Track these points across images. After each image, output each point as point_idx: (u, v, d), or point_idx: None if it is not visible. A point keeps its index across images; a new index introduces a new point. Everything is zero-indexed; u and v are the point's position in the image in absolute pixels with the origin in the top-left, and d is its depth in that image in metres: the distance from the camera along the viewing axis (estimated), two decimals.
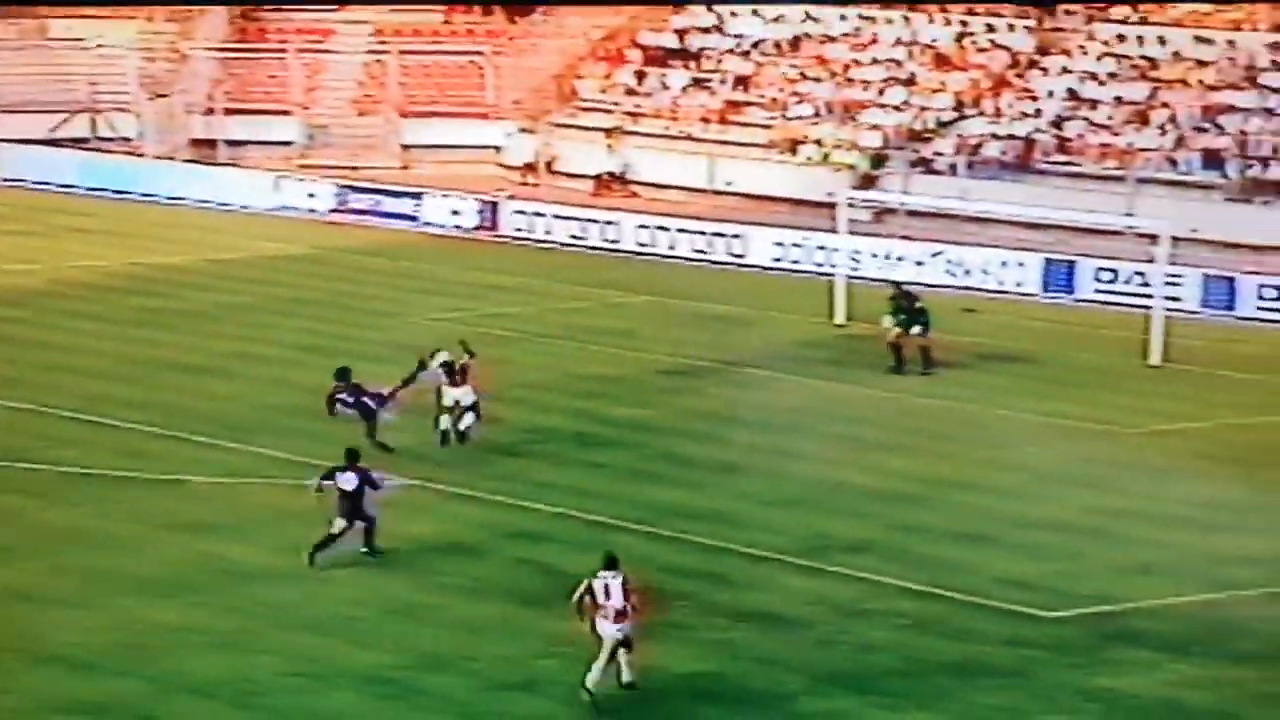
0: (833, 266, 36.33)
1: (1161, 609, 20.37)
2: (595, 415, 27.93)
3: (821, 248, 39.03)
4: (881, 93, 47.28)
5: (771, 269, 40.05)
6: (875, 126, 46.21)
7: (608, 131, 49.32)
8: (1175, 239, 34.74)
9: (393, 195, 46.22)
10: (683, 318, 35.57)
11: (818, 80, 48.33)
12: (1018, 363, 31.59)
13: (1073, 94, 44.85)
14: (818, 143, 46.41)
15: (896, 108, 46.64)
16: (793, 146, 46.76)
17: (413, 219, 45.41)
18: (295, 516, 23.44)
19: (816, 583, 21.35)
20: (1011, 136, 44.35)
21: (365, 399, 25.79)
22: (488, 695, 18.53)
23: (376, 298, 36.88)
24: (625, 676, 18.93)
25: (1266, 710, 18.01)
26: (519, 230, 44.05)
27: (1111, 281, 36.74)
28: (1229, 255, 38.80)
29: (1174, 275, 34.48)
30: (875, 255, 38.63)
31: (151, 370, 30.60)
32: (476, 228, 44.61)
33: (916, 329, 30.79)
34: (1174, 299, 34.01)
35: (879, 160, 45.45)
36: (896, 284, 32.12)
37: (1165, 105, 43.47)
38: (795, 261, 39.98)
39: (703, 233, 41.68)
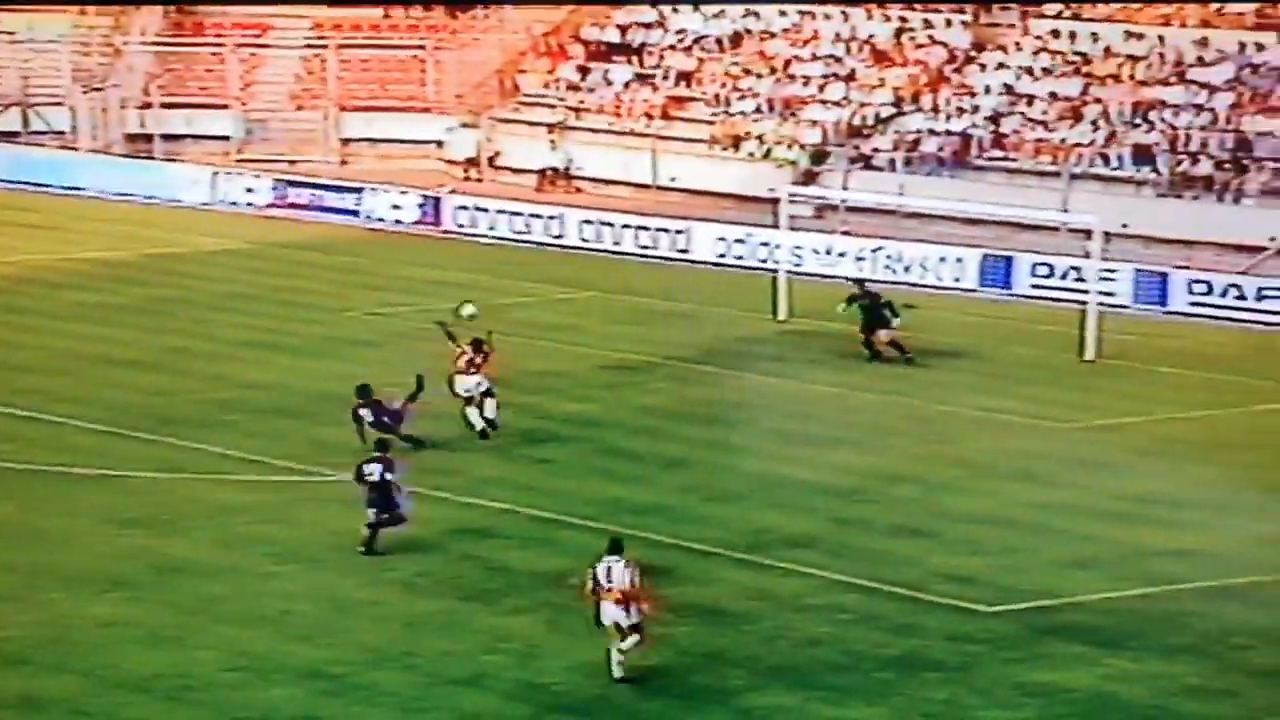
0: (775, 262, 36.55)
1: (1097, 603, 20.60)
2: (540, 411, 27.98)
3: (764, 243, 39.20)
4: (822, 89, 47.51)
5: (715, 264, 40.16)
6: (815, 122, 46.43)
7: (551, 127, 49.30)
8: (1109, 234, 35.18)
9: (332, 190, 46.04)
10: (627, 313, 35.67)
11: (759, 76, 48.53)
12: (956, 358, 31.86)
13: (1009, 90, 45.22)
14: (759, 139, 46.61)
15: (836, 104, 46.87)
16: (735, 142, 46.92)
17: (353, 213, 45.26)
18: (232, 511, 23.44)
19: (760, 577, 21.47)
20: (949, 133, 44.67)
21: (385, 417, 25.87)
22: (431, 690, 18.53)
23: (315, 292, 36.75)
24: (615, 671, 18.89)
25: (1197, 703, 18.27)
26: (461, 225, 43.99)
27: (1047, 277, 37.03)
28: (1161, 251, 39.34)
29: (1108, 271, 34.80)
30: (817, 251, 38.86)
31: (86, 365, 30.45)
32: (418, 222, 44.53)
33: (883, 331, 30.96)
34: (1108, 294, 34.29)
35: (820, 156, 45.67)
36: (859, 282, 32.31)
37: (1098, 101, 43.88)
38: (739, 257, 40.13)
39: (647, 228, 41.77)
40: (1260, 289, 35.29)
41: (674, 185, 46.50)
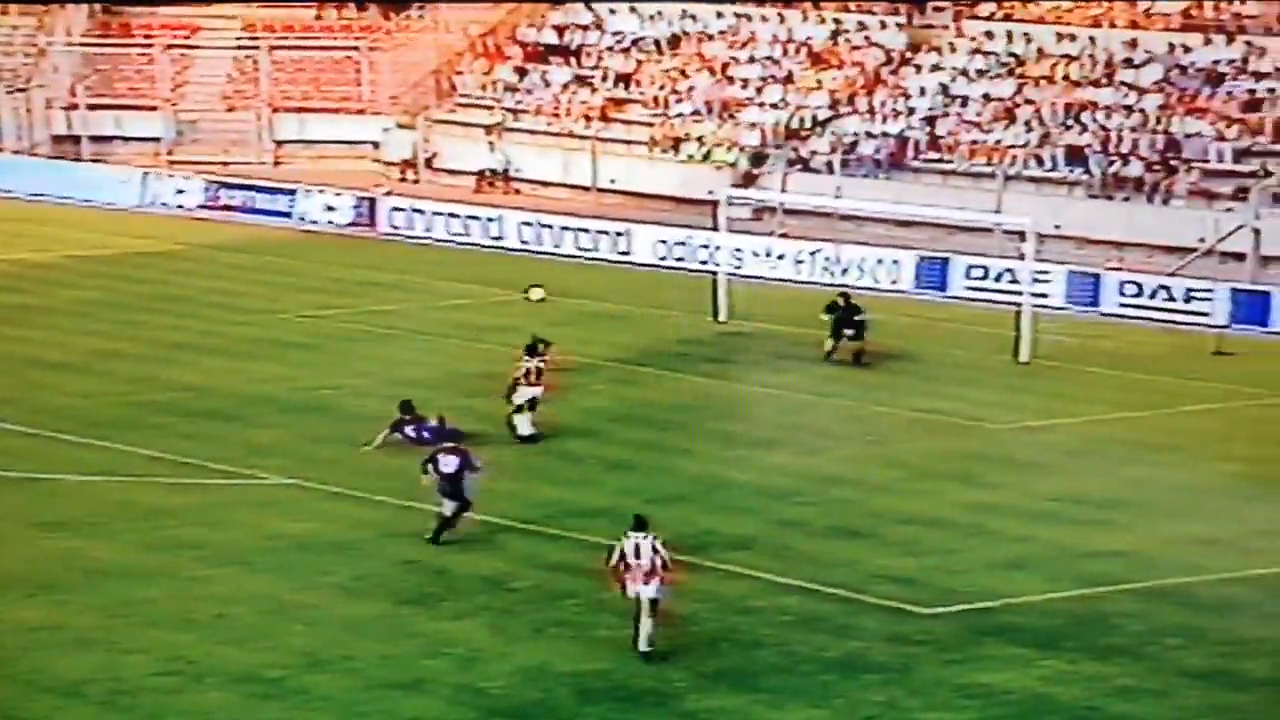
0: (715, 264, 36.66)
1: (1034, 605, 20.78)
2: (480, 413, 27.87)
3: (704, 245, 39.33)
4: (760, 91, 47.69)
5: (655, 266, 40.24)
6: (754, 125, 46.61)
7: (489, 128, 49.25)
8: (1043, 236, 35.49)
9: (265, 191, 45.84)
10: (567, 315, 35.66)
11: (697, 78, 48.64)
12: (893, 359, 32.01)
13: (944, 91, 45.51)
14: (699, 140, 46.74)
15: (774, 106, 47.07)
16: (674, 144, 47.03)
17: (286, 215, 45.05)
18: (163, 514, 23.29)
19: (702, 579, 21.48)
20: (885, 135, 44.94)
21: (426, 432, 25.97)
22: (370, 695, 18.46)
23: (248, 294, 36.56)
24: (642, 644, 19.34)
25: (1130, 704, 18.42)
26: (397, 227, 43.87)
27: (982, 278, 37.30)
28: (1093, 252, 39.73)
29: (1041, 273, 35.12)
30: (756, 253, 39.01)
31: (14, 367, 30.22)
32: (353, 224, 44.35)
33: (849, 332, 31.02)
34: (1041, 296, 34.60)
35: (758, 158, 45.87)
36: (843, 293, 31.98)
37: (1030, 102, 44.23)
38: (679, 259, 40.23)
39: (586, 230, 41.80)
40: (1189, 290, 35.63)
41: (613, 187, 46.57)
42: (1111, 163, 41.96)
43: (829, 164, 44.40)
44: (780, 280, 38.42)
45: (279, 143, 51.84)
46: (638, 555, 19.39)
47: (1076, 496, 24.75)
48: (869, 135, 45.01)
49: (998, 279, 36.83)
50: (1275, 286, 35.33)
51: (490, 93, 50.54)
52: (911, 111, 45.31)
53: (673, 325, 35.00)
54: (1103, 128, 42.76)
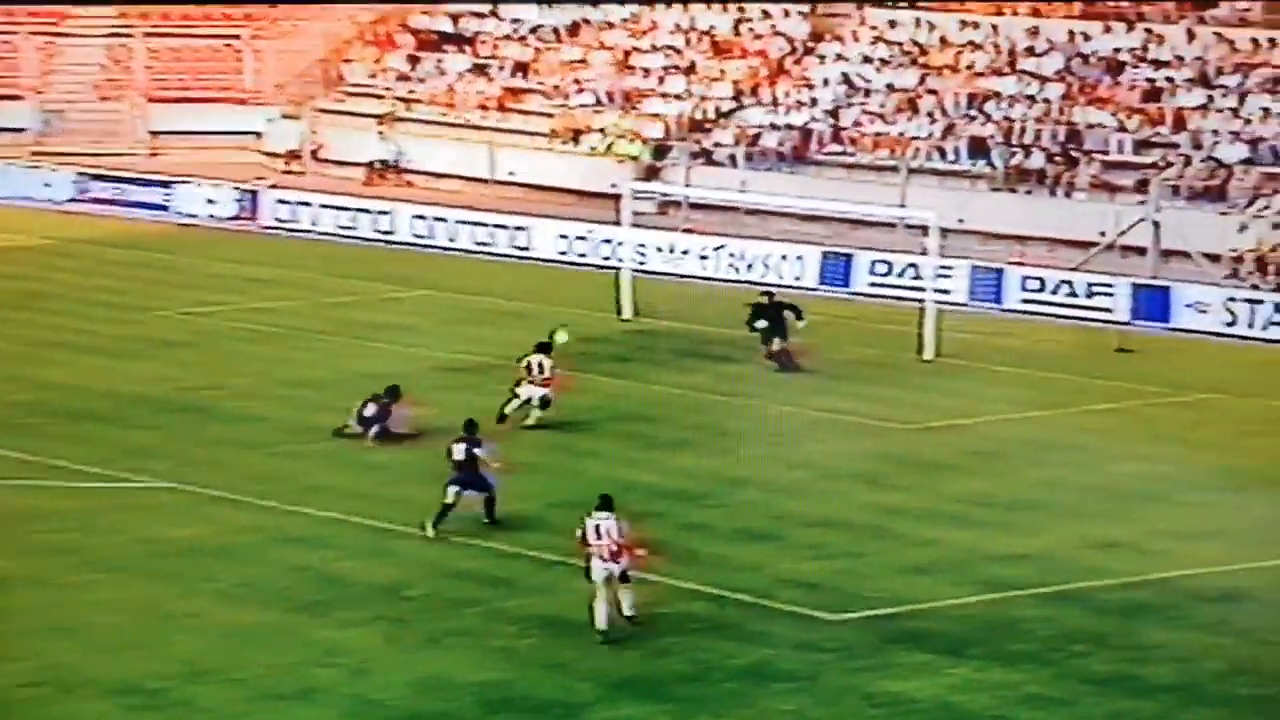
0: (619, 260, 36.75)
1: (940, 610, 21.09)
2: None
3: (607, 241, 39.40)
4: (662, 81, 47.79)
5: (556, 262, 40.26)
6: (657, 116, 46.71)
7: (379, 118, 48.94)
8: (946, 230, 35.92)
9: (140, 184, 45.27)
10: (464, 313, 35.62)
11: (598, 68, 48.64)
12: (798, 358, 32.19)
13: (847, 81, 45.85)
14: (601, 132, 46.77)
15: (677, 97, 47.20)
16: (575, 136, 47.03)
17: (163, 209, 44.56)
18: (33, 519, 23.05)
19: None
20: (789, 127, 45.22)
21: (383, 421, 26.12)
22: (257, 706, 18.34)
23: (123, 291, 36.17)
24: (626, 609, 20.05)
25: (1036, 712, 18.75)
26: (282, 220, 43.51)
27: (886, 274, 37.64)
28: (996, 246, 40.23)
29: (945, 268, 35.51)
30: (661, 249, 39.15)
31: None
32: (234, 218, 43.93)
33: (778, 340, 30.75)
34: (945, 292, 35.02)
35: (661, 151, 46.01)
36: (767, 292, 31.70)
37: (933, 92, 44.68)
38: (581, 255, 40.28)
39: (484, 224, 41.67)
40: (1091, 285, 36.17)
41: (512, 180, 46.46)
42: (1014, 154, 42.51)
43: (733, 157, 44.62)
44: (686, 277, 38.60)
45: (155, 133, 51.18)
46: (599, 535, 20.06)
47: (982, 498, 25.14)
48: (773, 127, 45.27)
49: (901, 275, 37.19)
50: (1175, 282, 35.89)
51: (381, 81, 50.25)
52: (815, 102, 45.61)
53: (575, 323, 35.00)
54: (1006, 118, 43.28)
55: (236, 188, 44.38)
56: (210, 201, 44.25)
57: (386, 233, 42.36)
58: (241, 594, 21.01)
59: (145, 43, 52.08)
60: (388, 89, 49.78)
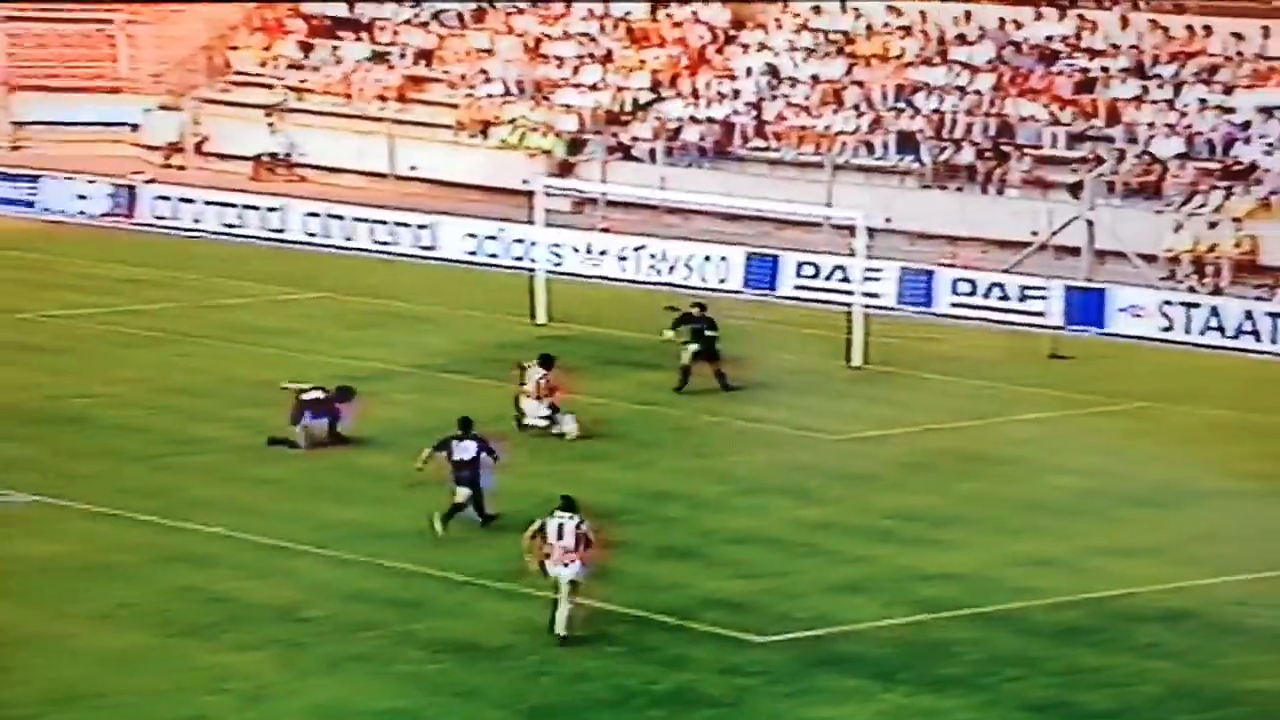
0: (532, 261, 36.83)
1: (870, 632, 21.36)
2: (262, 425, 27.67)
3: (519, 240, 39.42)
4: (576, 71, 47.89)
5: (464, 263, 40.22)
6: (570, 108, 46.81)
7: (268, 109, 48.68)
8: (873, 230, 36.27)
9: (1, 179, 44.67)
10: (363, 316, 35.56)
11: (507, 56, 48.67)
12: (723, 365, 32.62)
13: (771, 71, 46.16)
14: (510, 124, 46.80)
15: (592, 88, 47.31)
16: (483, 128, 47.03)
17: (27, 204, 44.09)
18: None
19: (522, 608, 21.66)
20: (711, 120, 45.46)
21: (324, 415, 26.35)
22: None
23: None
24: (559, 627, 20.50)
25: None
26: (162, 217, 43.18)
27: (813, 277, 37.92)
28: (926, 247, 40.67)
29: (873, 270, 35.90)
30: (577, 249, 39.25)
31: None
32: (108, 214, 43.52)
33: (711, 363, 30.12)
34: (873, 295, 35.36)
35: (576, 145, 46.12)
36: (699, 303, 30.94)
37: (860, 84, 45.04)
38: (491, 255, 40.31)
39: (384, 222, 41.52)
40: (1023, 288, 36.55)
41: (414, 175, 46.34)
42: (943, 150, 42.94)
43: (652, 151, 44.81)
44: (603, 279, 38.75)
45: (18, 124, 50.57)
46: (560, 535, 20.45)
47: (911, 513, 25.47)
48: (693, 120, 45.50)
49: (829, 277, 37.50)
50: (1110, 284, 36.40)
51: (270, 70, 50.00)
52: (737, 94, 45.87)
53: (486, 327, 35.13)
54: (935, 111, 43.68)
55: (111, 182, 43.95)
56: (81, 197, 43.76)
57: (277, 231, 42.13)
58: (119, 616, 20.78)
59: (5, 27, 51.44)
60: (278, 78, 49.55)
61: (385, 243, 41.18)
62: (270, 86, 49.33)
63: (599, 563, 20.76)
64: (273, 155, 47.89)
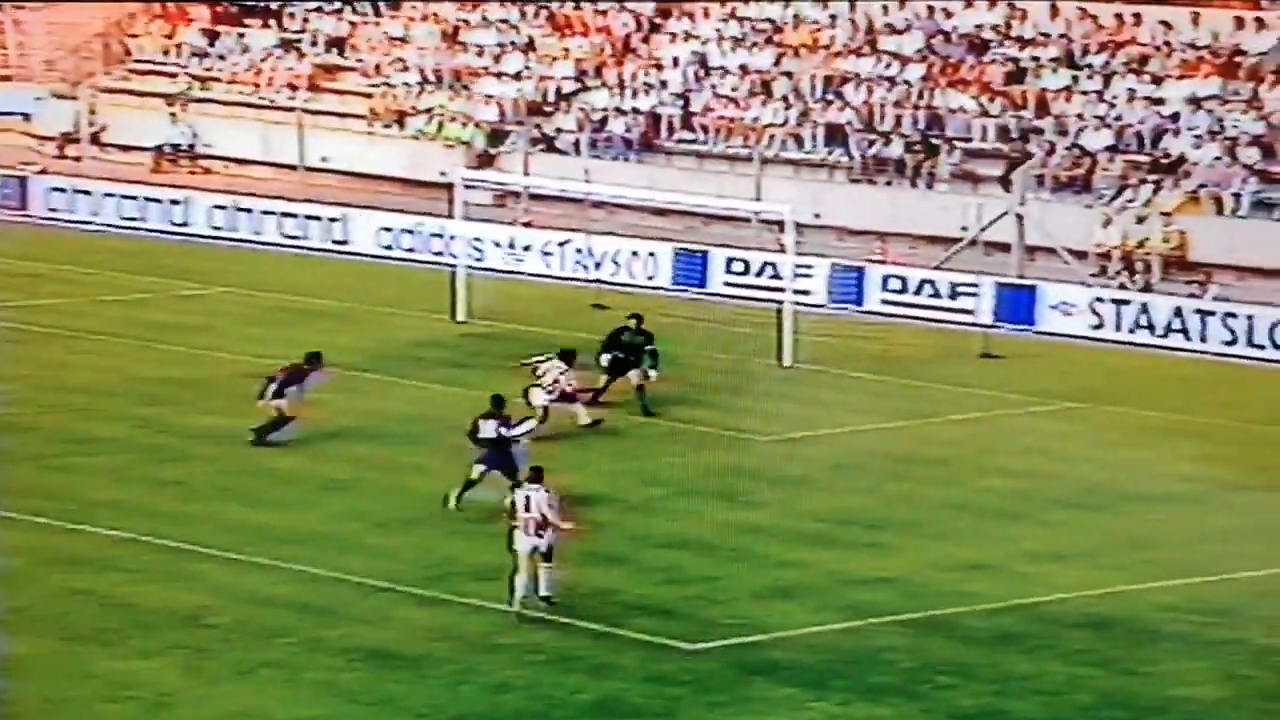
0: (451, 256, 36.84)
1: (802, 638, 21.54)
2: (164, 424, 27.66)
3: (437, 235, 39.45)
4: (497, 59, 47.91)
5: (379, 258, 40.13)
6: (491, 97, 46.83)
7: (170, 98, 48.40)
8: (803, 226, 36.53)
9: None
10: (271, 313, 35.44)
11: (424, 44, 48.60)
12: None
13: (698, 61, 46.36)
14: (427, 114, 46.77)
15: (514, 77, 47.34)
16: (398, 118, 46.97)
17: None
18: None
19: (440, 614, 21.73)
20: (636, 111, 45.61)
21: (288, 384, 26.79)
22: None
23: None
24: (543, 589, 21.57)
25: None
26: (56, 210, 42.92)
27: (743, 274, 38.12)
28: (855, 243, 40.99)
29: (804, 267, 36.12)
30: (499, 244, 39.30)
31: None
32: None
33: (635, 372, 29.55)
34: (804, 292, 35.57)
35: (496, 136, 46.15)
36: (635, 316, 30.22)
37: (788, 74, 45.37)
38: (408, 250, 40.30)
39: (294, 215, 41.42)
40: (955, 285, 36.87)
41: (326, 166, 46.20)
42: (872, 143, 43.33)
43: (576, 143, 44.92)
44: (527, 275, 38.74)
45: None
46: (527, 508, 21.50)
47: (843, 516, 25.73)
48: (619, 111, 45.65)
49: (759, 274, 37.71)
50: (1041, 281, 36.72)
51: (173, 58, 49.70)
52: (664, 85, 46.07)
53: (403, 325, 35.11)
54: (865, 103, 44.08)
55: (1, 174, 43.57)
56: None
57: (181, 224, 41.94)
58: (12, 621, 20.46)
59: None
60: (181, 66, 49.24)
61: (295, 237, 41.10)
62: (173, 75, 49.03)
63: (570, 536, 21.60)
64: (175, 146, 47.67)
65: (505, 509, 21.77)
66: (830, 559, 24.13)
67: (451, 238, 37.51)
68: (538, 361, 28.51)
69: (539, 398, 28.16)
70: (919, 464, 28.10)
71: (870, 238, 41.01)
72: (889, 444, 28.99)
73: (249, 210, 41.61)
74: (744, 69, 45.76)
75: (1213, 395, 32.32)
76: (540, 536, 21.44)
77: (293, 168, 45.79)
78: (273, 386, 27.37)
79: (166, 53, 50.04)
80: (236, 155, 47.19)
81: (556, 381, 28.17)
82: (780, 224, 35.13)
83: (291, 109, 46.67)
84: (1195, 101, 41.31)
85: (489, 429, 24.83)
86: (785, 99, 44.70)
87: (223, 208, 41.81)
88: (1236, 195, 39.72)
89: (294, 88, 47.84)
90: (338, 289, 37.19)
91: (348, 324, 34.74)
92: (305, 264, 39.48)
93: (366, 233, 40.79)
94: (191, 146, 47.67)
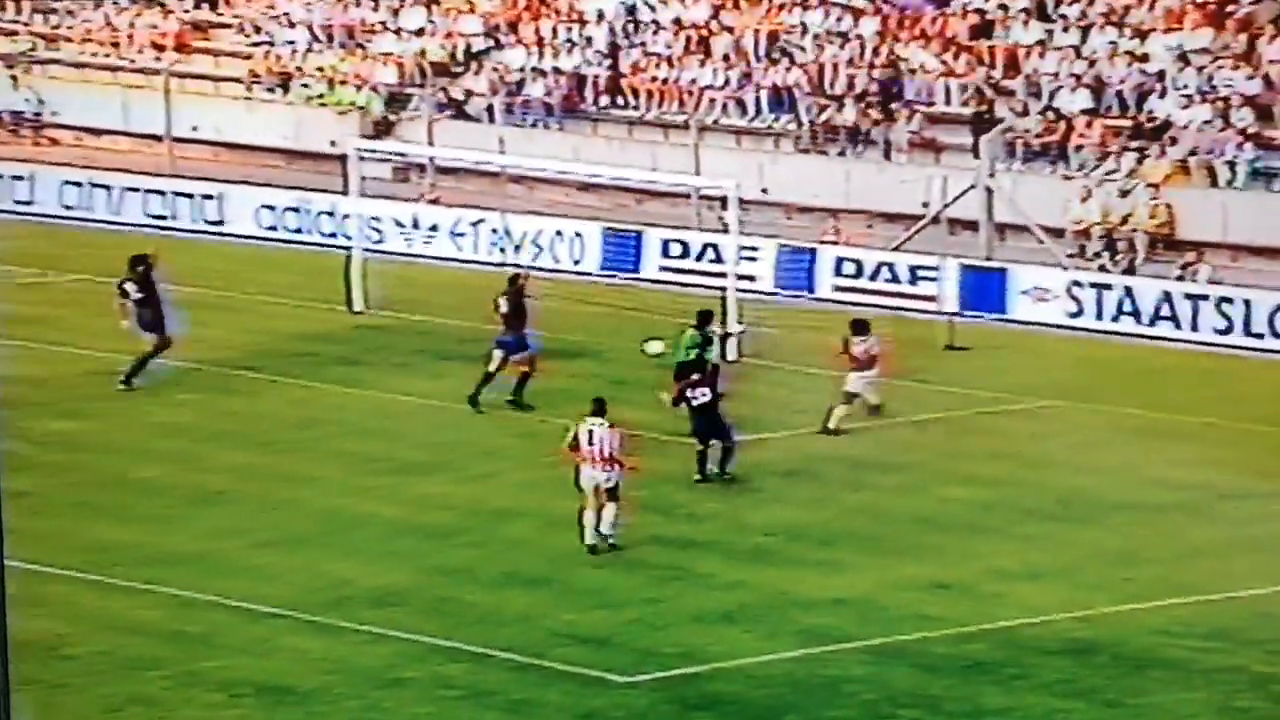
0: (345, 238, 36.92)
1: (749, 668, 21.70)
2: (5, 429, 27.45)
3: (328, 213, 39.52)
4: (396, 14, 47.97)
5: (260, 240, 40.20)
6: (389, 56, 46.89)
7: (10, 60, 48.15)
8: (747, 203, 36.75)
9: None
10: None
11: None
12: (577, 359, 32.77)
13: (627, 13, 46.47)
14: (316, 75, 46.73)
15: (416, 33, 47.43)
16: (282, 81, 46.92)
17: None
18: None
19: (335, 644, 21.86)
20: (558, 72, 45.80)
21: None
22: None
23: None
24: (604, 526, 24.29)
25: None
26: None
27: (681, 256, 38.33)
28: (805, 220, 41.27)
29: (749, 249, 36.37)
30: (401, 224, 39.39)
31: None
32: None
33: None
34: (749, 278, 35.79)
35: (396, 101, 46.22)
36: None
37: (729, 29, 45.57)
38: (295, 231, 40.36)
39: (160, 192, 41.40)
40: (914, 269, 37.12)
41: (196, 137, 46.06)
42: (823, 108, 43.54)
43: (489, 109, 45.06)
44: (433, 258, 38.81)
45: None
46: (590, 441, 24.13)
47: (793, 530, 25.96)
48: (537, 72, 45.79)
49: (699, 257, 37.87)
50: (1012, 264, 37.03)
51: (14, 15, 49.44)
52: (588, 42, 46.24)
53: (289, 316, 35.18)
54: (814, 62, 44.29)
55: None
56: None
57: (24, 203, 41.84)
58: None
59: None
60: (23, 23, 49.00)
61: (162, 217, 41.13)
62: (13, 34, 48.78)
63: (633, 471, 24.17)
64: (17, 114, 47.45)
65: (570, 442, 24.21)
66: (780, 578, 24.33)
67: (345, 217, 37.60)
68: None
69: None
70: (877, 470, 28.35)
71: (821, 215, 41.25)
72: (843, 448, 29.21)
73: (106, 187, 41.56)
74: (678, 24, 46.00)
75: (1205, 391, 32.70)
76: (606, 471, 24.04)
77: (158, 138, 45.62)
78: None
79: (3, 9, 49.82)
80: (91, 125, 47.04)
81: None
82: (722, 200, 35.34)
83: (156, 72, 46.53)
84: (1183, 56, 41.60)
85: (703, 394, 26.89)
86: (725, 58, 44.97)
87: (76, 184, 41.75)
88: (1230, 164, 40.07)
89: (159, 47, 47.72)
90: (212, 275, 37.22)
91: (224, 315, 34.76)
92: (174, 247, 39.24)
93: (245, 212, 40.88)
94: (37, 115, 47.52)
